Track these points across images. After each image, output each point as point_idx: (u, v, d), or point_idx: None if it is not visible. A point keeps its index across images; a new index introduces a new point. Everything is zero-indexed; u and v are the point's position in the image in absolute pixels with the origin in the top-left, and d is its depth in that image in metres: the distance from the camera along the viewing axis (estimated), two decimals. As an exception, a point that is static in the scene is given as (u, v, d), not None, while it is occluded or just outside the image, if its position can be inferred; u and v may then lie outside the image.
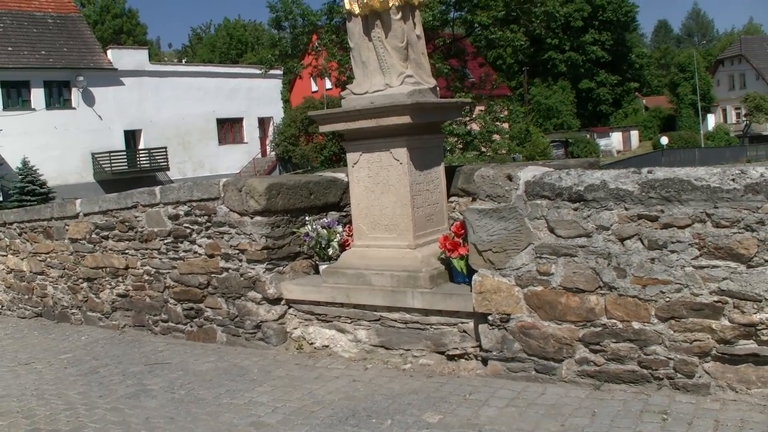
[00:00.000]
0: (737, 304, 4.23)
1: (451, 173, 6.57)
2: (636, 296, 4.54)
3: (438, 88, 6.23)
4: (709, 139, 68.18)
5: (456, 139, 28.25)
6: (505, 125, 34.70)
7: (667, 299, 4.43)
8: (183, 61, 71.27)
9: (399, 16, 5.85)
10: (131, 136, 42.50)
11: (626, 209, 4.48)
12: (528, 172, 4.94)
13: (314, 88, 49.79)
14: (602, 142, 67.76)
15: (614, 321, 4.63)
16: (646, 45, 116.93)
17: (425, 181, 6.02)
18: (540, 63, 74.00)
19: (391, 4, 5.79)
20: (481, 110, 30.73)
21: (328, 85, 38.87)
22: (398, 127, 5.73)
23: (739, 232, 4.18)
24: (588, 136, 67.33)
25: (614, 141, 70.76)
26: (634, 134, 73.41)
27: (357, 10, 5.99)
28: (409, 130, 5.78)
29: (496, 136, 30.63)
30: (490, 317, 5.14)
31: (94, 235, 8.41)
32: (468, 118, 29.27)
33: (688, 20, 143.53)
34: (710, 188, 4.21)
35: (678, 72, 75.92)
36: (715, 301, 4.30)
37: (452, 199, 6.65)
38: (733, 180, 4.17)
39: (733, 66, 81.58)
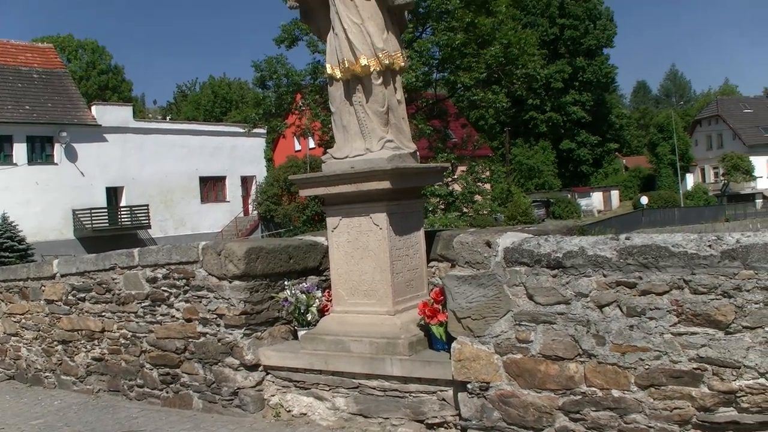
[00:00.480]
0: (716, 371, 4.20)
1: (430, 238, 6.57)
2: (615, 364, 4.50)
3: (418, 153, 6.26)
4: (689, 199, 69.04)
5: (438, 199, 28.43)
6: (487, 186, 34.99)
7: (647, 367, 4.40)
8: (167, 118, 71.63)
9: (380, 81, 5.91)
10: (113, 193, 42.38)
11: (605, 276, 4.48)
12: (507, 239, 4.94)
13: (297, 147, 50.09)
14: (583, 202, 68.37)
15: (594, 389, 4.58)
16: (626, 106, 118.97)
17: (405, 246, 6.02)
18: (521, 123, 75.07)
19: (372, 69, 5.86)
20: (463, 171, 31.03)
21: (312, 144, 39.14)
22: (378, 192, 5.75)
23: (717, 299, 4.17)
24: (569, 196, 67.97)
25: (595, 201, 71.41)
26: (615, 194, 74.19)
27: (338, 75, 6.06)
28: (389, 195, 5.79)
29: (477, 197, 30.86)
30: (469, 385, 5.08)
31: (70, 297, 8.31)
32: (450, 179, 29.52)
33: (666, 81, 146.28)
34: (687, 255, 4.21)
35: (657, 132, 77.29)
36: (694, 368, 4.27)
37: (432, 263, 6.63)
38: (709, 246, 4.17)
39: (711, 126, 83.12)
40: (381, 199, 5.80)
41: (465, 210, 29.79)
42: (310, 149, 42.06)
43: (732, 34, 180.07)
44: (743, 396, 4.13)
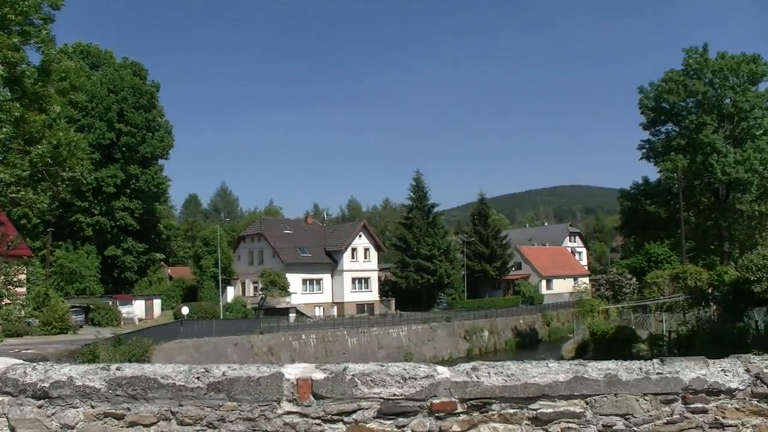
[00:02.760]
0: None
1: None
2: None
3: None
4: (228, 311, 71.73)
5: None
6: (22, 289, 32.63)
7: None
8: None
9: None
10: None
11: (93, 407, 4.38)
12: (-8, 366, 4.65)
13: None
14: (124, 310, 67.18)
15: None
16: (176, 216, 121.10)
17: None
18: (67, 225, 72.06)
19: None
20: (-3, 273, 28.61)
21: None
22: None
23: (202, 430, 4.31)
24: (111, 302, 66.29)
25: (137, 309, 70.60)
26: (158, 303, 74.22)
27: None
28: None
29: (6, 301, 28.56)
30: None
31: None
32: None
33: (216, 197, 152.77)
34: (176, 386, 4.30)
35: (202, 245, 79.70)
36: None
37: None
38: (198, 378, 4.32)
39: (254, 243, 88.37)
40: None
41: (-8, 315, 27.30)
42: None
43: (278, 160, 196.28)
44: None
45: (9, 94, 26.64)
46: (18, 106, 26.94)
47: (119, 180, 73.96)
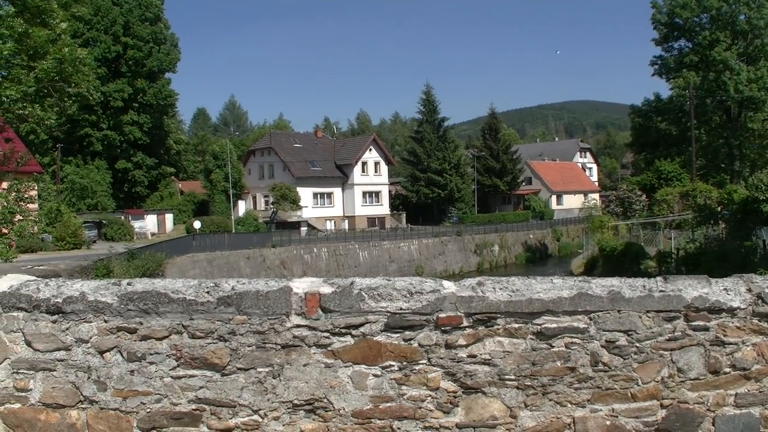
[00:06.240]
0: (214, 411, 4.45)
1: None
2: (117, 408, 4.52)
3: None
4: (240, 225, 72.05)
5: (-30, 219, 25.85)
6: (34, 205, 32.84)
7: (148, 410, 4.50)
8: None
9: None
10: None
11: (106, 321, 4.48)
12: (4, 282, 4.71)
13: None
14: (137, 224, 67.64)
15: (94, 436, 4.56)
16: (185, 131, 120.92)
17: None
18: (76, 140, 72.13)
19: None
20: (4, 189, 28.73)
21: None
22: None
23: (214, 343, 4.42)
24: (123, 217, 66.75)
25: (149, 223, 71.05)
26: (170, 217, 74.66)
27: None
28: None
29: (19, 218, 28.76)
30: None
31: None
32: (-18, 197, 27.09)
33: (225, 111, 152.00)
34: (186, 300, 4.38)
35: (212, 159, 79.61)
36: (193, 410, 4.47)
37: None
38: (207, 293, 4.40)
39: (264, 157, 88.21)
40: None
41: (5, 231, 27.50)
42: None
43: (286, 74, 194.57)
44: (240, 432, 4.42)
45: (12, 8, 26.08)
46: (21, 21, 26.43)
47: (127, 94, 73.62)
